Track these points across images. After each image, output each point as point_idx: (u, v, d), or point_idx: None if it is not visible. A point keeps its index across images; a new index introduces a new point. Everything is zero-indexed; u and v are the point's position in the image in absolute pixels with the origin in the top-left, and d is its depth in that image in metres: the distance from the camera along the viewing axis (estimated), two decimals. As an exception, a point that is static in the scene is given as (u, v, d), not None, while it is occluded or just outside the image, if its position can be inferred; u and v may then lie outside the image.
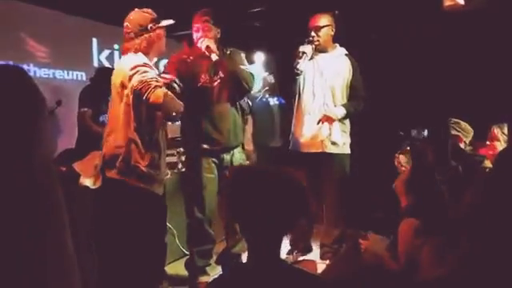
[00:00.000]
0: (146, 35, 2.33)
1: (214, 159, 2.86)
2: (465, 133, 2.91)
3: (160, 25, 2.38)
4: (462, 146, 2.92)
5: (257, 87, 3.68)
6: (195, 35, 2.81)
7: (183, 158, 3.72)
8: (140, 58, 2.29)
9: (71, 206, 0.91)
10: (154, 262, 2.43)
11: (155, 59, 2.48)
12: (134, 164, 2.27)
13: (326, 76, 3.18)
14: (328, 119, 3.12)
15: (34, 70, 4.24)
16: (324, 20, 3.21)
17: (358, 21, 4.71)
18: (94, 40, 4.84)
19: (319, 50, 3.21)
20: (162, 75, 2.52)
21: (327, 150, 3.18)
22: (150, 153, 2.31)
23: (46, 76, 4.38)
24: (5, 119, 0.81)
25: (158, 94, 2.16)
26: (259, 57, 5.61)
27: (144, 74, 2.19)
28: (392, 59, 4.90)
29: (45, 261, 0.82)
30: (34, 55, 4.26)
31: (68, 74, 4.59)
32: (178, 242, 3.39)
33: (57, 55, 4.42)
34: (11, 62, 4.05)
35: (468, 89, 4.13)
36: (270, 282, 1.09)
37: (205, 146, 2.82)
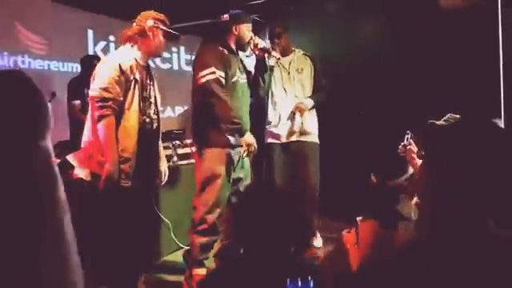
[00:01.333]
0: (141, 25, 2.47)
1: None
2: None
3: (159, 26, 2.50)
4: None
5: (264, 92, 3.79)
6: None
7: (179, 151, 3.74)
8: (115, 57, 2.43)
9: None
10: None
11: (147, 57, 2.58)
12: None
13: (292, 74, 3.54)
14: (300, 110, 3.43)
15: (28, 62, 4.22)
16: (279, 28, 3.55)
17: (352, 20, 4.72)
18: (90, 31, 4.81)
19: (282, 54, 3.41)
20: None
21: (302, 139, 3.48)
22: None
23: (41, 67, 4.36)
24: (6, 121, 0.81)
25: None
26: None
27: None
28: (385, 56, 4.91)
29: (45, 270, 0.81)
30: (28, 46, 4.23)
31: (63, 65, 4.56)
32: (172, 235, 3.40)
33: (52, 47, 4.39)
34: (6, 53, 4.03)
35: (460, 87, 4.15)
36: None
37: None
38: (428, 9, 4.29)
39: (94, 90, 2.35)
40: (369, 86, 4.64)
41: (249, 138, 2.79)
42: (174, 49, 5.96)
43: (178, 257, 3.17)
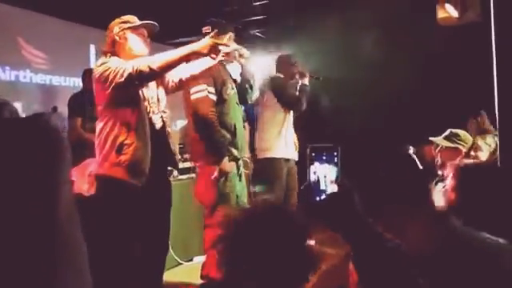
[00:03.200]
0: (111, 37, 2.39)
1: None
2: (464, 143, 2.86)
3: (127, 26, 2.41)
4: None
5: (254, 96, 3.78)
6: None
7: (179, 166, 3.73)
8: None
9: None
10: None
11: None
12: None
13: None
14: None
15: (30, 76, 4.25)
16: None
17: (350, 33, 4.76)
18: (92, 46, 4.85)
19: None
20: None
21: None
22: None
23: (43, 82, 4.38)
24: (30, 167, 0.83)
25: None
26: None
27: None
28: (388, 70, 4.94)
29: None
30: (31, 61, 4.27)
31: (65, 80, 4.60)
32: (171, 250, 3.37)
33: (54, 61, 4.43)
34: (8, 68, 4.06)
35: (456, 101, 4.17)
36: None
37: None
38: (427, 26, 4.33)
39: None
40: (367, 101, 4.66)
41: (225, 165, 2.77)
42: (175, 63, 6.00)
43: (176, 273, 3.15)
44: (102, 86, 2.26)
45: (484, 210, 1.39)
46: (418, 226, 1.43)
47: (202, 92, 2.73)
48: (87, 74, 4.00)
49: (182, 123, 5.91)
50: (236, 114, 2.88)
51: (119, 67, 2.24)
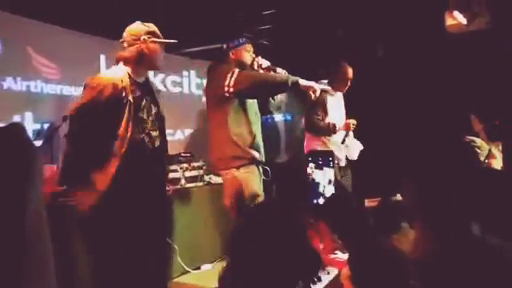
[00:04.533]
0: (137, 46, 2.35)
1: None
2: (480, 151, 2.83)
3: (155, 39, 2.40)
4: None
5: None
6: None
7: (187, 174, 3.75)
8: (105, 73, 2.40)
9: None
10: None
11: (148, 72, 2.54)
12: None
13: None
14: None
15: (41, 86, 4.31)
16: None
17: (361, 40, 4.77)
18: (102, 57, 4.91)
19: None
20: None
21: None
22: None
23: (53, 92, 4.44)
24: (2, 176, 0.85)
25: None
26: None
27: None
28: (395, 78, 4.93)
29: None
30: (41, 71, 4.32)
31: (76, 90, 4.64)
32: (179, 258, 3.37)
33: (64, 71, 4.48)
34: (19, 78, 4.12)
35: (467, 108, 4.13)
36: None
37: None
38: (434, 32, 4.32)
39: (70, 109, 2.37)
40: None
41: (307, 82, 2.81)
42: (185, 73, 6.05)
43: (183, 281, 3.15)
44: None
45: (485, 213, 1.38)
46: (430, 234, 1.41)
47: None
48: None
49: (190, 133, 5.96)
50: (254, 122, 2.93)
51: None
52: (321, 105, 3.71)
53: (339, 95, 4.09)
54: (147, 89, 2.49)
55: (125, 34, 2.40)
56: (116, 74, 2.35)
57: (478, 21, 4.17)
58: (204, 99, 6.28)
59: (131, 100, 2.32)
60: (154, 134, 2.47)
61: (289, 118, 5.05)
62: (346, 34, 4.85)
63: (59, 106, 4.28)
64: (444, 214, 1.46)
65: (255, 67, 3.04)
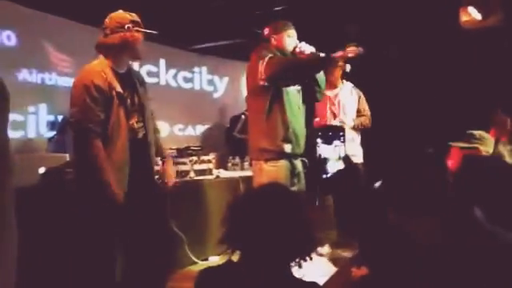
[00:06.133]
0: (121, 33, 2.30)
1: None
2: (481, 142, 2.77)
3: (139, 28, 2.36)
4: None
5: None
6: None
7: (195, 167, 3.77)
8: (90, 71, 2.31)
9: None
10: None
11: (130, 62, 2.48)
12: None
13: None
14: None
15: (55, 79, 4.38)
16: None
17: (374, 38, 4.75)
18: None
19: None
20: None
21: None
22: None
23: (67, 85, 4.50)
24: None
25: None
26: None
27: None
28: (409, 75, 4.90)
29: None
30: (56, 64, 4.40)
31: (88, 83, 4.71)
32: (187, 249, 3.40)
33: (78, 65, 4.53)
34: (34, 70, 4.20)
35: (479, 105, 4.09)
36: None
37: None
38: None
39: (71, 115, 2.26)
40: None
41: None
42: (196, 69, 6.08)
43: (192, 271, 3.17)
44: None
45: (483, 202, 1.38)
46: (436, 221, 1.41)
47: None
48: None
49: (200, 128, 5.99)
50: (293, 112, 2.85)
51: None
52: None
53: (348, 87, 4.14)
54: (129, 80, 2.44)
55: (107, 21, 2.34)
56: (98, 67, 2.32)
57: (492, 18, 4.13)
58: (215, 95, 6.38)
59: (116, 92, 2.29)
60: (137, 125, 2.42)
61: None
62: (359, 30, 4.83)
63: (72, 99, 4.34)
64: (448, 202, 1.46)
65: (297, 53, 2.87)
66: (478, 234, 1.32)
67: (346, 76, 4.07)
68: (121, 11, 2.40)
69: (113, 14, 2.37)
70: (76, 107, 2.23)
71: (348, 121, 3.99)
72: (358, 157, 3.88)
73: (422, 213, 1.52)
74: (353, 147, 3.79)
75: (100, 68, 2.30)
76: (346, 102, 4.07)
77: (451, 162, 2.57)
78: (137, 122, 2.42)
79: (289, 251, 1.07)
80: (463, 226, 1.37)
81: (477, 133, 2.70)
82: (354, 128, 4.02)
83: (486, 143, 2.66)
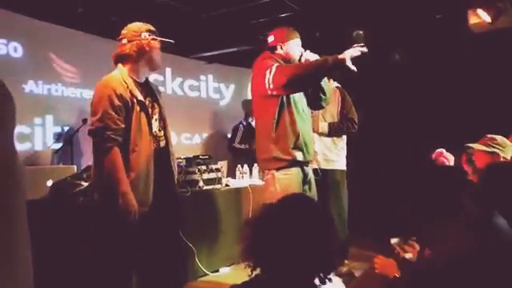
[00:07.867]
0: (138, 41, 2.30)
1: None
2: (502, 148, 2.69)
3: (155, 37, 2.36)
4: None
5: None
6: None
7: (204, 176, 3.72)
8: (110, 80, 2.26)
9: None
10: None
11: (146, 72, 2.43)
12: None
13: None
14: None
15: (62, 90, 4.37)
16: None
17: (381, 40, 4.70)
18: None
19: None
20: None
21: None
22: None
23: (74, 95, 4.49)
24: None
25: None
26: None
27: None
28: (416, 79, 4.85)
29: None
30: (62, 75, 4.39)
31: (95, 93, 4.70)
32: (197, 260, 3.34)
33: (84, 75, 4.54)
34: (41, 82, 4.19)
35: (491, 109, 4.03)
36: None
37: None
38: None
39: (91, 123, 2.22)
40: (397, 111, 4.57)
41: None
42: (203, 77, 6.06)
43: (202, 283, 3.11)
44: None
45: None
46: (454, 233, 1.38)
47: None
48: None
49: (207, 135, 5.96)
50: (301, 120, 2.77)
51: None
52: None
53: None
54: (149, 89, 2.44)
55: (125, 31, 2.35)
56: (119, 76, 2.29)
57: (503, 19, 4.07)
58: (221, 103, 6.35)
59: (137, 101, 2.28)
60: (159, 134, 2.42)
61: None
62: (367, 35, 4.78)
63: (79, 109, 4.33)
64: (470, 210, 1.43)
65: (303, 61, 2.80)
66: (500, 241, 1.31)
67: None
68: (138, 22, 2.40)
69: (130, 25, 2.38)
70: (96, 115, 2.20)
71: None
72: (336, 163, 3.61)
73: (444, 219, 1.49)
74: (328, 154, 3.58)
75: (121, 77, 2.29)
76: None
77: (478, 163, 2.52)
78: (159, 131, 2.41)
79: (316, 266, 1.02)
80: (486, 232, 1.35)
81: (499, 138, 2.62)
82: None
83: (506, 150, 2.58)
